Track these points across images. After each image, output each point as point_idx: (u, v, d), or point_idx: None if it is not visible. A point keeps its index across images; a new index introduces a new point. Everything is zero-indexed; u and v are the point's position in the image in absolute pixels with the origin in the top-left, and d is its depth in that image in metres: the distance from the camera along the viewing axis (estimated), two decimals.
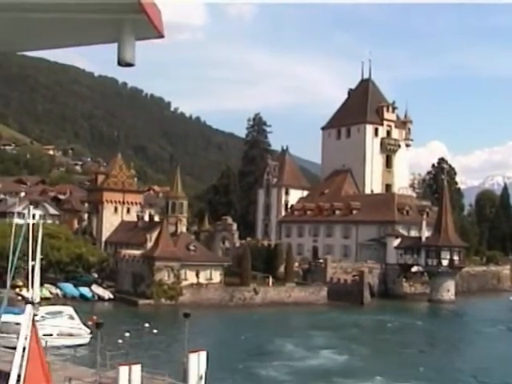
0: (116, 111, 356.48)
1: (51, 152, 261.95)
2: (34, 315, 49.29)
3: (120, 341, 45.79)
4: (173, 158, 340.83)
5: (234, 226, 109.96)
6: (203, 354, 35.10)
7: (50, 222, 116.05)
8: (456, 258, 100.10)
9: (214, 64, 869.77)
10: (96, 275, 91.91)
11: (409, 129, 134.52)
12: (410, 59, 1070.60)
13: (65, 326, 53.99)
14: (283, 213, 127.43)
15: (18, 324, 50.53)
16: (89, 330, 53.51)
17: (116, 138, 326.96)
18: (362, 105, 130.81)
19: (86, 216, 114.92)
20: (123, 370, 31.26)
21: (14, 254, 54.76)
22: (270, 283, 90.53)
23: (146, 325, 60.23)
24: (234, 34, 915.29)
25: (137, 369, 31.76)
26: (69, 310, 57.70)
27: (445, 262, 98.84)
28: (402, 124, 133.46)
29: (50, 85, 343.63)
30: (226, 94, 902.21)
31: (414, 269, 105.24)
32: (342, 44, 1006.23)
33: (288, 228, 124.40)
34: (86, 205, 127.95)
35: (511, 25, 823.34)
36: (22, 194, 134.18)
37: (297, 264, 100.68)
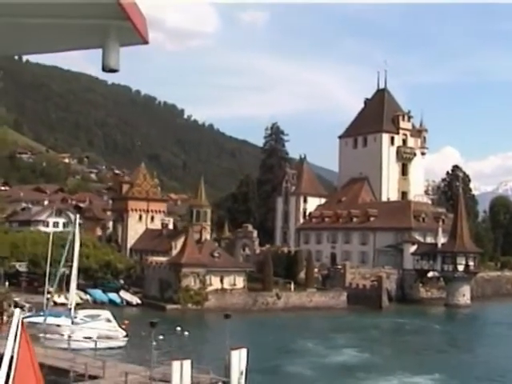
0: (129, 119, 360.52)
1: (66, 160, 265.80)
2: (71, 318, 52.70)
3: (154, 343, 48.97)
4: (186, 166, 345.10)
5: (255, 234, 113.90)
6: (244, 351, 38.74)
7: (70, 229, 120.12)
8: (471, 263, 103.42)
9: (227, 71, 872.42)
10: (122, 281, 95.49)
11: (424, 137, 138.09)
12: (422, 65, 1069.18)
13: (103, 329, 57.15)
14: (301, 220, 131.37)
15: (58, 326, 54.47)
16: (124, 333, 57.01)
17: (137, 147, 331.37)
18: (378, 114, 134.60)
19: (110, 224, 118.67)
20: (176, 365, 34.78)
21: (59, 261, 58.60)
22: (292, 288, 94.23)
23: (178, 328, 63.78)
24: (246, 40, 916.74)
25: (187, 364, 35.37)
26: (106, 313, 60.80)
27: (460, 268, 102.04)
28: (418, 132, 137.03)
29: (64, 93, 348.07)
30: (239, 100, 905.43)
31: (430, 274, 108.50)
32: (353, 50, 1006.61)
33: (306, 235, 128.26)
34: (108, 213, 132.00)
35: None
36: (46, 203, 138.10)
37: (316, 270, 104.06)
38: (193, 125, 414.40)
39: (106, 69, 3.33)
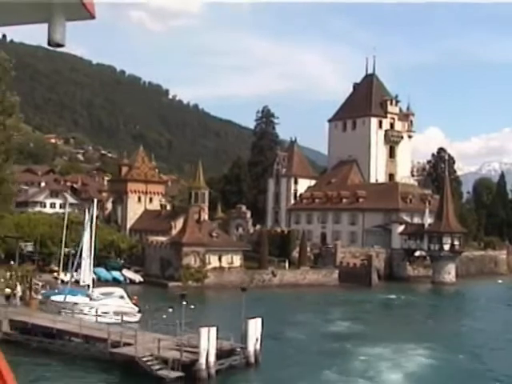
0: (115, 99, 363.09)
1: (53, 141, 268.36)
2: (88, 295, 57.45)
3: (164, 316, 53.62)
4: (171, 146, 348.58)
5: (248, 214, 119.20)
6: (259, 321, 44.11)
7: (69, 210, 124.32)
8: (456, 243, 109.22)
9: (212, 51, 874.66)
10: (122, 261, 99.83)
11: (411, 121, 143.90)
12: (408, 45, 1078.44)
13: (118, 305, 61.17)
14: (292, 201, 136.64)
15: (75, 304, 58.75)
16: (137, 309, 61.50)
17: (122, 127, 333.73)
18: (366, 98, 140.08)
19: (108, 205, 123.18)
20: (204, 331, 39.93)
21: (66, 241, 62.66)
22: (287, 267, 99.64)
23: (184, 302, 68.39)
24: (232, 20, 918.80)
25: (213, 330, 40.52)
26: (119, 290, 64.80)
27: (446, 247, 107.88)
28: (405, 116, 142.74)
29: (49, 73, 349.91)
30: (224, 80, 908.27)
31: (418, 253, 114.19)
32: (340, 29, 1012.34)
33: (297, 215, 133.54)
34: (104, 194, 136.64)
35: (508, 11, 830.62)
36: (43, 184, 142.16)
37: (308, 249, 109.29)
38: (178, 105, 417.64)
39: (51, 43, 3.33)
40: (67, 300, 59.16)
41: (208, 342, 39.92)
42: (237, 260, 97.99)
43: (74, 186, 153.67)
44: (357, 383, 39.24)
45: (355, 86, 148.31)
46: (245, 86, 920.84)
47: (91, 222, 65.10)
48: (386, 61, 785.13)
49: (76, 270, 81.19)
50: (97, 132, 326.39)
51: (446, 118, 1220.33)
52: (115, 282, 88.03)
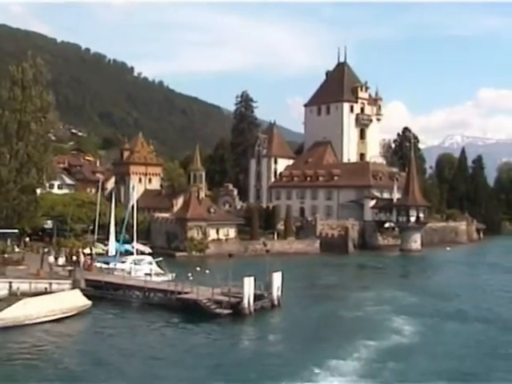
0: (80, 77, 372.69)
1: None
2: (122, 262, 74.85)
3: (190, 278, 67.10)
4: (138, 123, 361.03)
5: (235, 192, 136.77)
6: (280, 273, 61.34)
7: (66, 191, 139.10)
8: (421, 215, 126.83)
9: (175, 26, 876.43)
10: (127, 235, 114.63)
11: (379, 105, 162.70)
12: (370, 18, 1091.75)
13: (152, 269, 73.78)
14: (273, 179, 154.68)
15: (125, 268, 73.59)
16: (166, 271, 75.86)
17: (88, 104, 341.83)
18: (339, 85, 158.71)
19: (108, 185, 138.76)
20: (247, 280, 56.61)
21: (122, 222, 78.80)
22: (275, 238, 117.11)
23: (198, 268, 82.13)
24: None
25: (251, 280, 57.40)
26: (148, 258, 79.82)
27: (412, 219, 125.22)
28: (374, 101, 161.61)
29: (13, 52, 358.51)
30: (188, 56, 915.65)
31: (387, 225, 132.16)
32: (306, 5, 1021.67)
33: (277, 192, 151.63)
34: (98, 174, 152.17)
35: None
36: None
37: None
38: (143, 82, 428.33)
39: None
40: (117, 266, 74.82)
41: (249, 288, 56.54)
42: (232, 232, 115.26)
43: (64, 166, 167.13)
44: (354, 312, 56.73)
45: (328, 73, 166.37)
46: (210, 61, 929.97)
47: (136, 201, 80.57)
48: (346, 34, 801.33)
49: (93, 244, 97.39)
50: (63, 110, 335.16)
51: (408, 92, 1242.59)
52: (127, 254, 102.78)
